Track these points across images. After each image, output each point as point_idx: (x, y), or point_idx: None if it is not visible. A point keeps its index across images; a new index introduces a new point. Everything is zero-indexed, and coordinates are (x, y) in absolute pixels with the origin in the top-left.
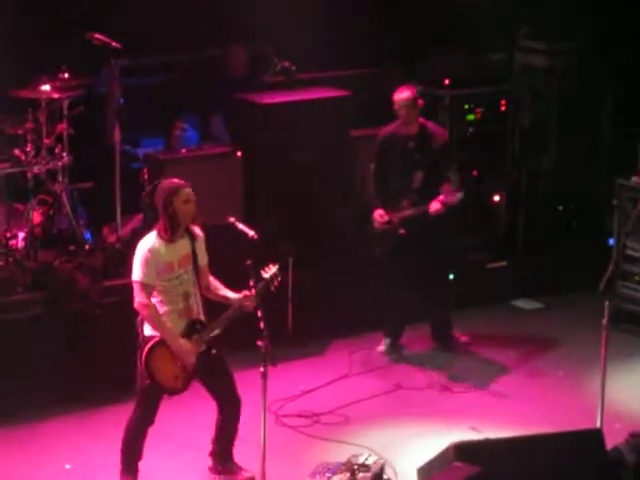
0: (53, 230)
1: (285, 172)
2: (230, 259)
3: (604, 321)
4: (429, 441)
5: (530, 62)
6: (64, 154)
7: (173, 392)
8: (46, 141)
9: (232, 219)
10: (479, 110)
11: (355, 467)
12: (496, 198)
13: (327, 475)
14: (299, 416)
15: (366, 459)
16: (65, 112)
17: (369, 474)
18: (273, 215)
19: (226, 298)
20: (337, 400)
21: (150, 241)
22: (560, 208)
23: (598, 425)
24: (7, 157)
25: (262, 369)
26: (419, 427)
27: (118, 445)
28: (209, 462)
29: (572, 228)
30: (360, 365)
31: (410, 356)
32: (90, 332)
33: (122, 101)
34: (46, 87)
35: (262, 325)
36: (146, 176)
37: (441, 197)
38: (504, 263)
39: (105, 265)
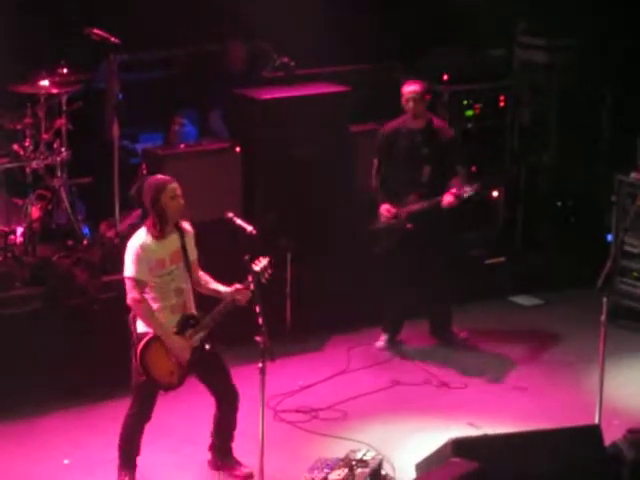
0: (51, 225)
1: (284, 167)
2: (228, 254)
3: (602, 317)
4: (427, 437)
5: (530, 58)
6: (63, 149)
7: (169, 388)
8: (45, 136)
9: (231, 214)
10: (478, 106)
11: (353, 463)
12: (495, 194)
13: (325, 470)
14: (297, 411)
15: (364, 455)
16: (64, 107)
17: (367, 470)
18: (272, 210)
19: (218, 292)
20: (335, 396)
21: (141, 238)
22: (559, 204)
23: (596, 421)
24: (6, 152)
25: (260, 364)
26: (417, 423)
27: (116, 440)
28: (208, 456)
29: (571, 224)
30: (358, 361)
31: (408, 352)
32: (88, 327)
33: (121, 96)
34: (45, 82)
35: (260, 321)
36: (145, 171)
37: (454, 190)
38: (503, 259)
39: (103, 260)
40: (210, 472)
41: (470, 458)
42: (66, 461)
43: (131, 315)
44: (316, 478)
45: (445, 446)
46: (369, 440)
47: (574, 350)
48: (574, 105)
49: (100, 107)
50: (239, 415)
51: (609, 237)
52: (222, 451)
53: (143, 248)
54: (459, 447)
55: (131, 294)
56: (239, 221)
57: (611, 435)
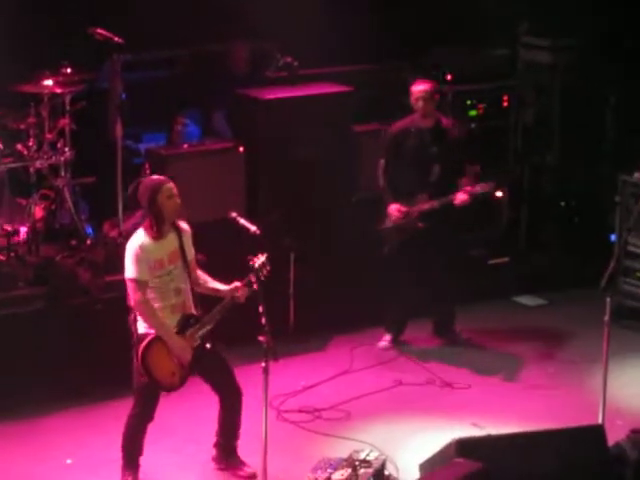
0: (55, 225)
1: (287, 167)
2: (232, 254)
3: (606, 317)
4: (431, 437)
5: (533, 58)
6: (66, 149)
7: (170, 389)
8: (48, 136)
9: (234, 214)
10: (481, 106)
11: (356, 463)
12: (499, 194)
13: (328, 471)
14: (300, 411)
15: (367, 455)
16: (67, 107)
17: (370, 470)
18: (275, 210)
19: (217, 290)
20: (338, 396)
21: (139, 239)
22: (563, 204)
23: (600, 421)
24: (9, 152)
25: (264, 364)
26: (421, 423)
27: (119, 440)
28: (213, 452)
29: (574, 224)
30: (361, 361)
31: (412, 352)
32: (91, 327)
33: (124, 96)
34: (48, 82)
35: (263, 320)
36: (148, 171)
37: (467, 188)
38: (506, 259)
39: (106, 260)
40: (213, 472)
41: (474, 458)
42: (69, 461)
43: (131, 316)
44: (319, 478)
45: (449, 446)
46: (372, 440)
47: (578, 350)
48: (578, 105)
49: (103, 107)
50: (243, 414)
51: (613, 237)
52: (226, 450)
53: (142, 249)
54: (463, 447)
55: (134, 295)
56: (243, 221)
57: (614, 435)
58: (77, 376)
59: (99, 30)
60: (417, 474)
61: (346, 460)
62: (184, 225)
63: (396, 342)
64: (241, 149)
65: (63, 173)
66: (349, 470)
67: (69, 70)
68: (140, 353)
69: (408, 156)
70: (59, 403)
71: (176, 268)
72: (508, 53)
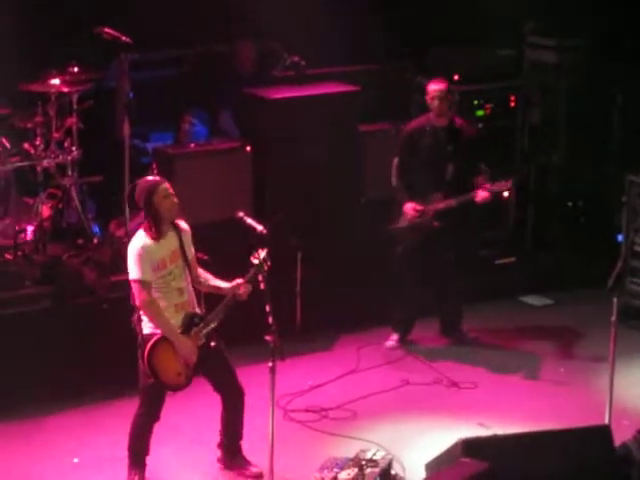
0: (62, 224)
1: (294, 167)
2: (239, 254)
3: (613, 317)
4: (437, 437)
5: (539, 58)
6: (73, 148)
7: (177, 389)
8: (55, 135)
9: (241, 214)
10: (488, 106)
11: (363, 462)
12: (505, 194)
13: (335, 470)
14: (307, 411)
15: (374, 454)
16: (75, 106)
17: (377, 469)
18: (282, 210)
19: (218, 288)
20: (345, 395)
21: (140, 240)
22: (569, 204)
23: (606, 421)
24: (17, 151)
25: (270, 364)
26: (427, 422)
27: (125, 438)
28: (218, 453)
29: (581, 224)
30: (368, 360)
31: (418, 351)
32: (97, 326)
33: (131, 95)
34: (56, 81)
35: (270, 320)
36: (155, 170)
37: (487, 185)
38: (513, 259)
39: (113, 260)
40: (219, 471)
41: (480, 458)
42: (76, 460)
43: (135, 317)
44: (326, 477)
45: (455, 446)
46: (379, 440)
47: (584, 350)
48: (584, 105)
49: (111, 106)
50: (249, 414)
51: (619, 237)
52: (231, 450)
53: (144, 249)
54: (469, 447)
55: (140, 296)
56: (249, 220)
57: (621, 435)
58: (83, 375)
59: (107, 29)
60: (423, 474)
61: (353, 460)
62: (183, 224)
63: (403, 342)
64: (248, 148)
65: (70, 172)
66: (356, 470)
67: (76, 69)
68: (146, 354)
69: (423, 155)
70: (65, 402)
71: (177, 267)
72: (514, 53)
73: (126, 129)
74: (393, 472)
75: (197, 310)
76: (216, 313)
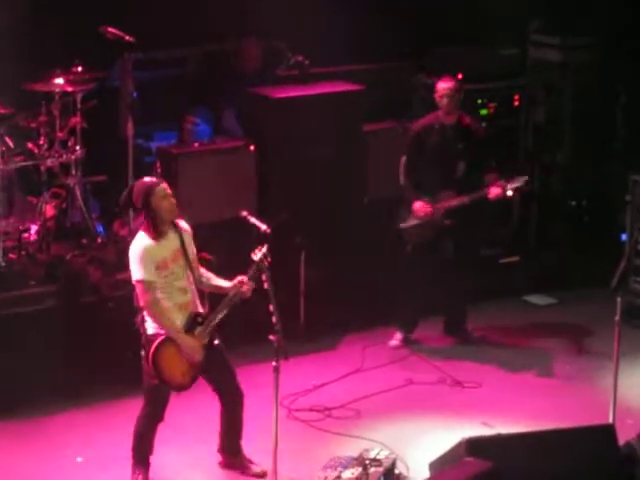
0: (66, 223)
1: (298, 166)
2: (242, 253)
3: (616, 317)
4: (441, 436)
5: (544, 57)
6: (77, 147)
7: (181, 389)
8: (59, 134)
9: (245, 213)
10: (492, 105)
11: (367, 462)
12: (509, 193)
13: (339, 469)
14: (311, 410)
15: (378, 454)
16: (78, 105)
17: (381, 469)
18: (286, 209)
19: (221, 287)
20: (349, 394)
21: (141, 241)
22: (573, 203)
23: (610, 421)
24: (20, 150)
25: (274, 363)
26: (431, 422)
27: (129, 438)
28: (219, 458)
29: (585, 223)
30: (372, 360)
31: (422, 351)
32: (101, 325)
33: (135, 95)
34: (60, 80)
35: (274, 319)
36: (159, 170)
37: (500, 182)
38: (517, 258)
39: (117, 259)
40: (222, 470)
41: (484, 458)
42: (79, 459)
43: (139, 318)
44: (329, 477)
45: (459, 445)
46: (383, 439)
47: (588, 349)
48: (588, 104)
49: (114, 105)
50: (253, 413)
51: (623, 236)
52: (232, 451)
53: (146, 250)
54: (473, 446)
55: (144, 296)
56: (253, 220)
57: (625, 435)
58: (87, 374)
59: (110, 29)
60: (427, 473)
61: (356, 459)
62: (184, 224)
63: (407, 341)
64: (252, 148)
65: (74, 171)
66: (359, 469)
67: (80, 69)
68: (151, 355)
69: (432, 153)
70: (69, 401)
71: (179, 267)
72: (518, 52)
73: (130, 128)
74: (397, 471)
75: (200, 309)
76: (219, 311)
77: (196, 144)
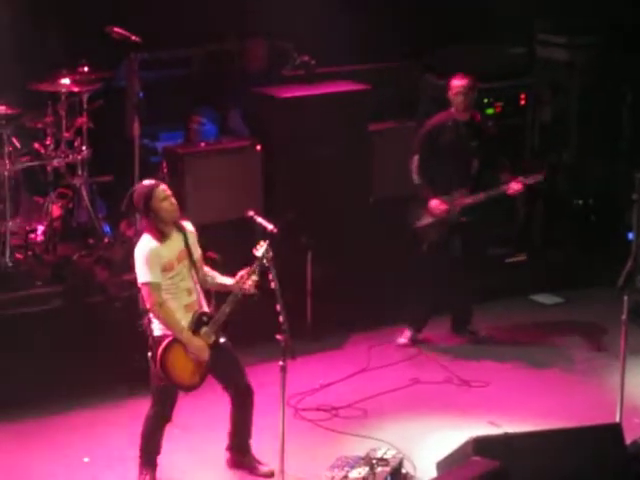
0: (72, 223)
1: (304, 166)
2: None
3: (623, 316)
4: (448, 435)
5: (550, 56)
6: (83, 147)
7: (191, 389)
8: (66, 135)
9: (251, 213)
10: (499, 104)
11: (374, 461)
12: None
13: (346, 469)
14: (318, 410)
15: (385, 453)
16: (85, 106)
17: (388, 468)
18: (292, 209)
19: (225, 286)
20: (356, 394)
21: (146, 243)
22: (579, 202)
23: (617, 419)
24: (27, 150)
25: (281, 363)
26: (438, 421)
27: (136, 437)
28: (227, 456)
29: (591, 222)
30: (379, 359)
31: (429, 350)
32: (108, 325)
33: (141, 95)
34: (66, 81)
35: (281, 319)
36: (165, 170)
37: (520, 178)
38: (523, 257)
39: (123, 259)
40: (230, 470)
41: (491, 457)
42: (86, 459)
43: (145, 320)
44: (337, 476)
45: (466, 445)
46: (390, 438)
47: (595, 349)
48: (594, 103)
49: (121, 105)
50: (260, 413)
51: (630, 235)
52: (242, 450)
53: (151, 251)
54: (480, 446)
55: (150, 298)
56: (260, 219)
57: (632, 433)
58: (94, 374)
59: (116, 29)
60: (434, 472)
61: (363, 458)
62: (188, 225)
63: (414, 340)
64: (258, 147)
65: (80, 172)
66: (366, 468)
67: (86, 69)
68: (159, 358)
69: (446, 151)
70: (76, 401)
71: (184, 268)
72: (525, 51)
73: (136, 128)
74: (404, 471)
75: (205, 309)
76: (223, 310)
77: (202, 144)
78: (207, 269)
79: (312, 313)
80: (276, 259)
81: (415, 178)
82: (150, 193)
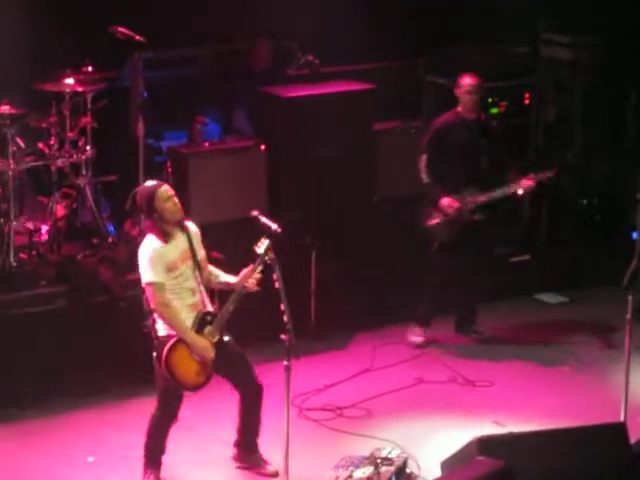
0: (76, 223)
1: (309, 165)
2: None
3: (628, 315)
4: (452, 435)
5: (554, 55)
6: (88, 147)
7: (197, 389)
8: (70, 134)
9: (255, 212)
10: (503, 104)
11: (378, 461)
12: (520, 192)
13: (350, 469)
14: (322, 409)
15: (389, 453)
16: (89, 105)
17: (392, 468)
18: (296, 208)
19: (228, 284)
20: (360, 394)
21: (150, 243)
22: (584, 202)
23: (622, 419)
24: (31, 150)
25: (285, 362)
26: (442, 421)
27: (141, 438)
28: (233, 451)
29: (596, 222)
30: (383, 359)
31: (433, 350)
32: (113, 325)
33: (145, 94)
34: (70, 80)
35: (285, 319)
36: (169, 169)
37: (531, 175)
38: (528, 257)
39: (128, 258)
40: (235, 470)
41: (495, 456)
42: (90, 459)
43: (150, 321)
44: (341, 476)
45: (470, 444)
46: (394, 438)
47: (599, 348)
48: (599, 102)
49: (125, 105)
50: (264, 413)
51: (634, 235)
52: (248, 448)
53: (155, 252)
54: (484, 445)
55: (154, 299)
56: (264, 219)
57: (636, 433)
58: (98, 374)
59: (120, 28)
60: (439, 472)
61: (368, 458)
62: (192, 226)
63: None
64: (262, 147)
65: (84, 171)
66: (371, 468)
67: (90, 69)
68: (164, 359)
69: (455, 150)
70: (80, 401)
71: (188, 267)
72: (529, 50)
73: (140, 128)
74: (408, 470)
75: (209, 309)
76: (226, 308)
77: (207, 144)
78: (212, 268)
79: (316, 313)
80: (280, 259)
81: (423, 177)
82: (153, 194)
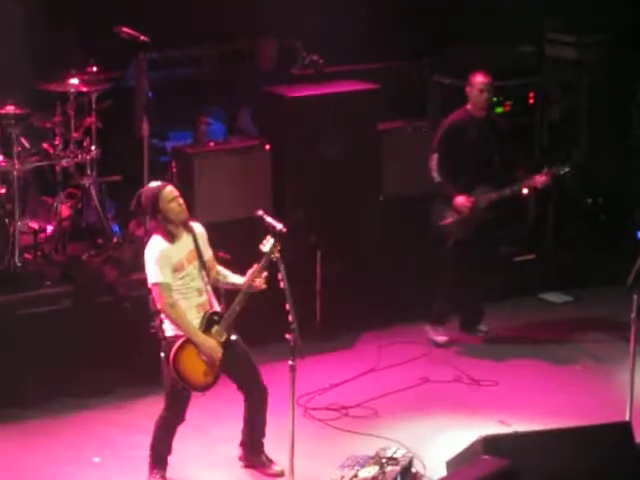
0: (81, 223)
1: (313, 165)
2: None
3: (632, 314)
4: (457, 434)
5: (559, 55)
6: (92, 147)
7: (205, 389)
8: (74, 134)
9: (260, 212)
10: (507, 103)
11: (384, 460)
12: (525, 191)
13: (356, 468)
14: (328, 409)
15: (394, 452)
16: (93, 106)
17: (398, 467)
18: (301, 208)
19: (235, 284)
20: (365, 393)
21: (156, 244)
22: (589, 201)
23: (627, 418)
24: (36, 150)
25: (291, 362)
26: (448, 420)
27: (146, 438)
28: (239, 451)
29: (601, 221)
30: (388, 358)
31: (438, 349)
32: (118, 325)
33: (150, 95)
34: (75, 81)
35: (291, 318)
36: (174, 169)
37: (545, 170)
38: (533, 256)
39: (133, 259)
40: (241, 470)
41: (501, 456)
42: (96, 459)
43: (157, 321)
44: (346, 475)
45: (475, 444)
46: (399, 438)
47: (604, 347)
48: (604, 102)
49: (130, 105)
50: (270, 413)
51: (639, 234)
52: (254, 448)
53: (162, 252)
54: (490, 445)
55: (160, 299)
56: (269, 219)
57: None
58: (104, 374)
59: (125, 29)
60: (444, 471)
61: (373, 457)
62: (198, 226)
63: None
64: (267, 147)
65: (89, 172)
66: (376, 467)
67: (95, 69)
68: (171, 360)
69: (467, 148)
70: (86, 401)
71: (194, 268)
72: (534, 50)
73: (145, 128)
74: (414, 470)
75: (216, 308)
76: (233, 307)
77: (211, 144)
78: (220, 268)
79: (321, 312)
80: (285, 258)
81: (435, 176)
82: (157, 195)
